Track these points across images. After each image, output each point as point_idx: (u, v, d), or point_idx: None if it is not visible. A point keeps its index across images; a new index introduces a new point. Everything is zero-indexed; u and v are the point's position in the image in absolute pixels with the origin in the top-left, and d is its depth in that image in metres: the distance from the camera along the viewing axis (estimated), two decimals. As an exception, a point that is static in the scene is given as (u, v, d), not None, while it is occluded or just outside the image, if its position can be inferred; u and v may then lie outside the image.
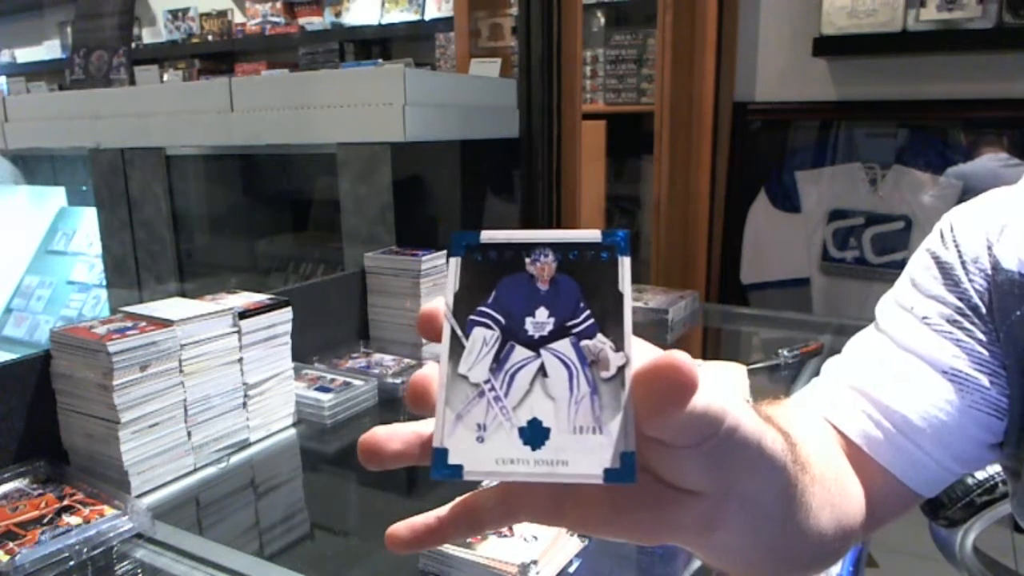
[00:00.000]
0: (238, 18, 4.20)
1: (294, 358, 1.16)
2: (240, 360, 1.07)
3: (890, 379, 0.59)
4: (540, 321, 0.33)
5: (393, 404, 1.25)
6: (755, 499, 0.38)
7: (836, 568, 1.18)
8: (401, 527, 0.40)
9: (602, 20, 2.97)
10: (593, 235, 0.33)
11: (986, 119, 1.86)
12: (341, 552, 0.93)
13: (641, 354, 0.32)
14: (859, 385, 0.60)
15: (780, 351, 1.38)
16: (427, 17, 3.51)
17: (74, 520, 0.83)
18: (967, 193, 1.83)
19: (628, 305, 0.32)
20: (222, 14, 4.21)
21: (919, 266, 0.62)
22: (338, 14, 3.77)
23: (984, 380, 0.56)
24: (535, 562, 0.73)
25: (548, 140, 2.07)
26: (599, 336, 0.32)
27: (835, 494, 0.51)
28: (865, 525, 0.56)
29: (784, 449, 0.39)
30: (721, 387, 0.35)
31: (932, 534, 1.12)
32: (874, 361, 0.61)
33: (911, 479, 0.58)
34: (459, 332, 0.34)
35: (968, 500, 1.05)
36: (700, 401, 0.30)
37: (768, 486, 0.39)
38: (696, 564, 0.77)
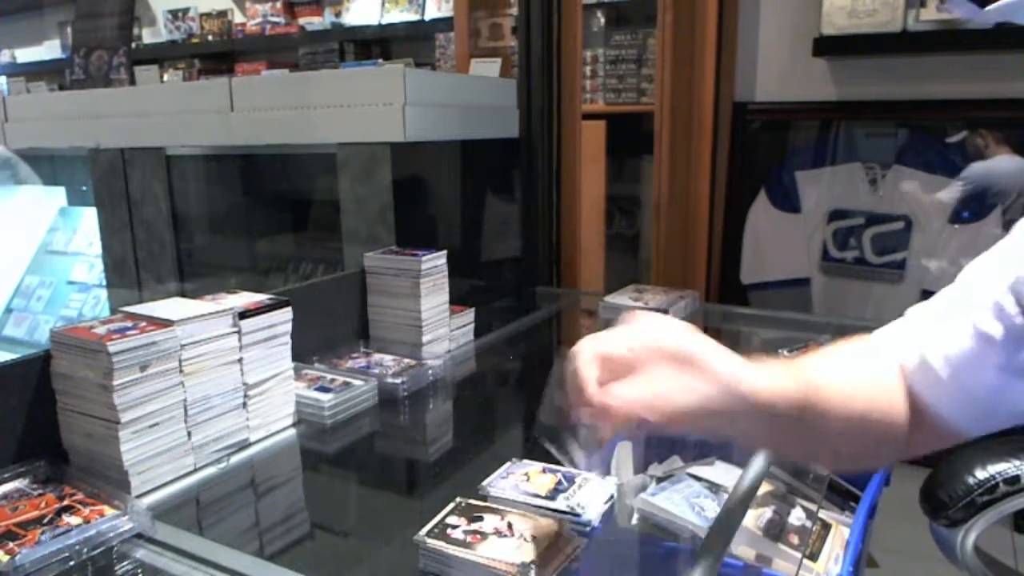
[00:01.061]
0: (238, 18, 4.20)
1: (294, 358, 1.16)
2: (240, 360, 1.07)
3: (949, 325, 0.67)
4: None
5: (393, 404, 1.25)
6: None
7: (836, 568, 1.18)
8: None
9: (602, 20, 2.97)
10: None
11: (986, 119, 1.86)
12: (341, 552, 0.93)
13: None
14: (926, 324, 0.70)
15: (780, 351, 1.38)
16: (427, 17, 3.51)
17: (74, 520, 0.83)
18: (986, 192, 1.83)
19: None
20: (222, 14, 4.21)
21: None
22: (338, 14, 3.77)
23: None
24: (535, 562, 0.73)
25: (548, 140, 2.07)
26: None
27: (866, 417, 0.66)
28: (908, 446, 0.68)
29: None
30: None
31: (933, 534, 1.13)
32: (946, 309, 0.69)
33: (958, 417, 0.65)
34: None
35: (969, 500, 1.05)
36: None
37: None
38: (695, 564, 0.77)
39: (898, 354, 0.71)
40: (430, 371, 1.35)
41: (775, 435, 0.65)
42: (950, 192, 1.86)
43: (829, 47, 1.90)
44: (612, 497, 0.88)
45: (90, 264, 2.59)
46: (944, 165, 1.90)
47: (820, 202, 2.06)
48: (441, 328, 1.47)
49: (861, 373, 0.70)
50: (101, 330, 0.93)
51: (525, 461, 0.96)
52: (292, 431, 1.16)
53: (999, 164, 1.84)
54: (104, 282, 2.35)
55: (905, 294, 1.96)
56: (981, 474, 1.08)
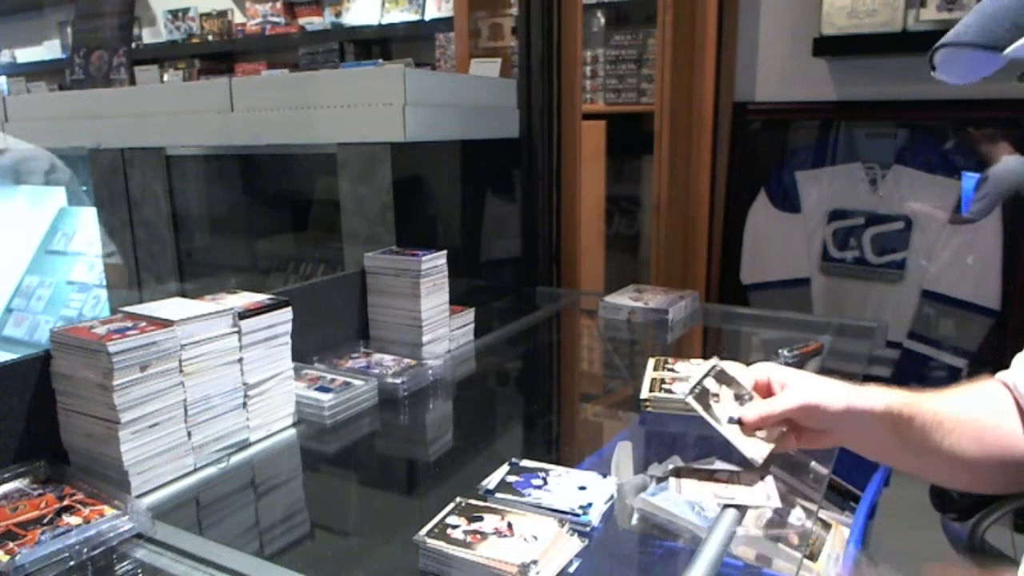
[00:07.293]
0: (238, 18, 4.20)
1: (294, 358, 1.16)
2: (240, 360, 1.07)
3: None
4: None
5: (393, 404, 1.25)
6: (857, 432, 0.86)
7: (836, 568, 1.18)
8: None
9: (602, 20, 2.97)
10: None
11: (986, 119, 1.86)
12: (341, 552, 0.93)
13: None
14: None
15: (780, 351, 1.38)
16: (427, 17, 3.51)
17: (74, 520, 0.83)
18: (996, 192, 1.82)
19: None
20: (222, 14, 4.21)
21: None
22: (338, 14, 3.77)
23: None
24: (535, 562, 0.73)
25: (548, 140, 2.06)
26: None
27: (978, 432, 0.82)
28: None
29: (883, 408, 0.83)
30: (801, 389, 0.86)
31: (943, 527, 1.13)
32: None
33: None
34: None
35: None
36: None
37: (861, 426, 0.85)
38: (695, 564, 0.77)
39: (1005, 376, 0.86)
40: (430, 371, 1.35)
41: (875, 442, 0.87)
42: (980, 204, 1.84)
43: (829, 47, 1.91)
44: (612, 497, 0.88)
45: (90, 264, 2.59)
46: (944, 165, 1.90)
47: (820, 202, 2.06)
48: (441, 328, 1.47)
49: (963, 393, 0.86)
50: (101, 330, 0.93)
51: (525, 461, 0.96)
52: (292, 431, 1.16)
53: (1008, 165, 1.83)
54: (104, 282, 2.35)
55: (905, 294, 1.96)
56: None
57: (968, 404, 0.85)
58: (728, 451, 0.94)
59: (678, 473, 0.89)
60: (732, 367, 0.94)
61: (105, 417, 0.92)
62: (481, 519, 0.81)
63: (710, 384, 0.91)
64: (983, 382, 0.89)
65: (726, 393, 0.90)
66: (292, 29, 3.90)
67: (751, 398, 0.90)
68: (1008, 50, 0.64)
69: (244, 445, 1.09)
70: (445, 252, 1.46)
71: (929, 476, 0.91)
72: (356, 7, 3.73)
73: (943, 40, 0.72)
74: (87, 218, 2.63)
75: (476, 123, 1.85)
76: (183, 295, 1.12)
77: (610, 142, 2.63)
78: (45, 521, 0.83)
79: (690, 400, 0.89)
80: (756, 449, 0.86)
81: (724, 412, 0.89)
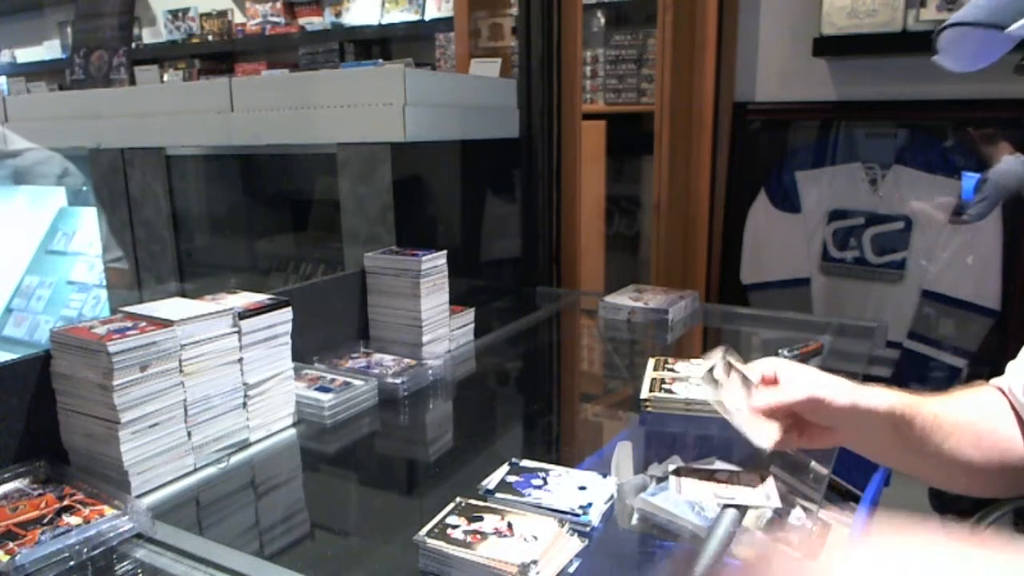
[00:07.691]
0: (238, 18, 4.20)
1: (294, 358, 1.16)
2: (240, 360, 1.07)
3: None
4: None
5: (393, 404, 1.25)
6: (859, 431, 0.85)
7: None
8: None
9: (602, 20, 2.97)
10: None
11: (986, 119, 1.86)
12: (341, 552, 0.93)
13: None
14: None
15: (780, 351, 1.38)
16: (427, 17, 3.51)
17: (74, 520, 0.83)
18: (996, 193, 1.82)
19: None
20: (222, 14, 4.21)
21: None
22: (338, 14, 3.77)
23: None
24: (535, 562, 0.73)
25: (548, 140, 2.06)
26: None
27: (976, 435, 0.83)
28: None
29: (886, 408, 0.81)
30: (808, 382, 0.85)
31: (942, 528, 1.13)
32: None
33: None
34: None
35: None
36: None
37: (863, 425, 0.83)
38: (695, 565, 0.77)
39: (1000, 382, 0.88)
40: (430, 371, 1.35)
41: (876, 441, 0.87)
42: (979, 206, 1.84)
43: (829, 47, 1.91)
44: (612, 497, 0.88)
45: (90, 264, 2.59)
46: (944, 165, 1.90)
47: (820, 202, 2.06)
48: (441, 328, 1.47)
49: (962, 398, 0.87)
50: (101, 330, 0.93)
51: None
52: (292, 431, 1.16)
53: (1008, 165, 1.83)
54: (104, 282, 2.35)
55: (905, 294, 1.96)
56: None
57: (966, 408, 0.86)
58: (728, 451, 0.94)
59: (678, 473, 0.89)
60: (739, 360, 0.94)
61: (105, 417, 0.92)
62: (481, 519, 0.81)
63: (719, 374, 0.91)
64: (979, 388, 0.89)
65: (735, 382, 0.90)
66: (292, 29, 3.90)
67: (758, 388, 0.89)
68: (1012, 28, 0.65)
69: (244, 445, 1.09)
70: (445, 252, 1.46)
71: (928, 478, 0.91)
72: (356, 7, 3.73)
73: (951, 19, 0.72)
74: (87, 218, 2.63)
75: (476, 123, 1.85)
76: (183, 295, 1.12)
77: (610, 142, 2.63)
78: (45, 521, 0.83)
79: (700, 388, 0.89)
80: (765, 436, 0.86)
81: (733, 400, 0.89)
